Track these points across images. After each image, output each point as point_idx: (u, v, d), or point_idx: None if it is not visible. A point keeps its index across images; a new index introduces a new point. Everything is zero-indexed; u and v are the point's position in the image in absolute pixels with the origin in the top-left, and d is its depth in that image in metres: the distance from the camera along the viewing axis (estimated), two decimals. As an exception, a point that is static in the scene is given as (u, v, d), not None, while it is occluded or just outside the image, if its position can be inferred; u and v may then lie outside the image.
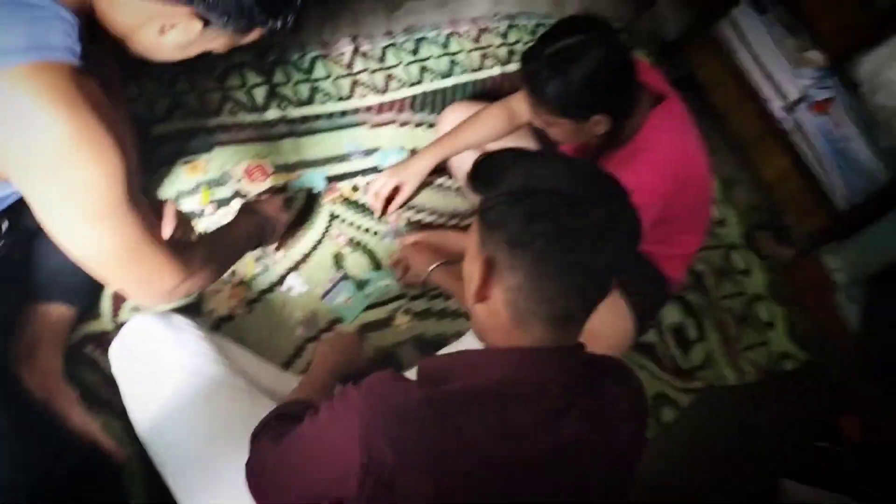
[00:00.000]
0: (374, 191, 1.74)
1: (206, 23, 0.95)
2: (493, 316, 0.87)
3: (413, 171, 1.73)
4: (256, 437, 1.04)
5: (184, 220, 1.28)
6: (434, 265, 1.60)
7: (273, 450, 0.96)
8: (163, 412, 1.17)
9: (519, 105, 1.76)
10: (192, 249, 1.12)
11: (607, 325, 1.57)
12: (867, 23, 1.97)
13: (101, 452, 1.22)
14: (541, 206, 0.80)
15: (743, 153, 2.39)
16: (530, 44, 1.38)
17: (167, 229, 1.18)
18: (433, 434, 0.79)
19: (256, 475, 0.99)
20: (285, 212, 1.54)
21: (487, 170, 0.91)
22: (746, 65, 2.36)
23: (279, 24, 0.98)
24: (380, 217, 1.77)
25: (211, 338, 1.28)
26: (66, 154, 0.86)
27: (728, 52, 2.40)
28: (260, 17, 0.96)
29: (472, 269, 0.88)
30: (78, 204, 0.90)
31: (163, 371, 1.19)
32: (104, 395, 1.33)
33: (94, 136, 0.87)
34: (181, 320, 1.26)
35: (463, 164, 1.86)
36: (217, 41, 1.01)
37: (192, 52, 1.02)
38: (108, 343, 1.35)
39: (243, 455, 1.07)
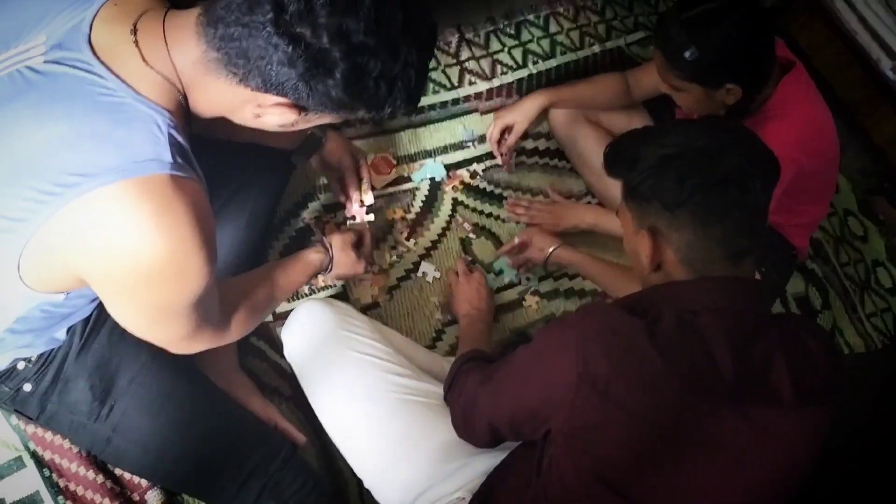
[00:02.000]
0: (488, 137, 1.79)
1: (304, 109, 0.89)
2: (670, 278, 0.94)
3: (521, 112, 1.77)
4: (456, 379, 1.16)
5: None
6: (554, 246, 1.62)
7: (484, 384, 1.05)
8: (337, 391, 1.24)
9: (637, 80, 1.76)
10: (236, 308, 1.10)
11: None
12: None
13: (283, 435, 1.29)
14: (685, 166, 0.89)
15: (850, 118, 2.33)
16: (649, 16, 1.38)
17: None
18: (647, 354, 0.85)
19: (465, 412, 1.09)
20: (358, 258, 1.37)
21: (620, 153, 0.98)
22: (851, 25, 2.29)
23: (383, 113, 0.91)
24: (502, 163, 1.82)
25: (368, 322, 1.34)
26: (149, 278, 0.84)
27: (830, 13, 2.33)
28: (358, 107, 0.90)
29: (636, 245, 0.96)
30: (149, 313, 0.91)
31: (333, 353, 1.26)
32: (272, 383, 1.41)
33: (181, 262, 0.84)
34: (343, 305, 1.33)
35: (575, 145, 1.87)
36: (328, 118, 0.94)
37: (302, 128, 0.97)
38: (271, 332, 1.44)
39: (415, 425, 1.19)
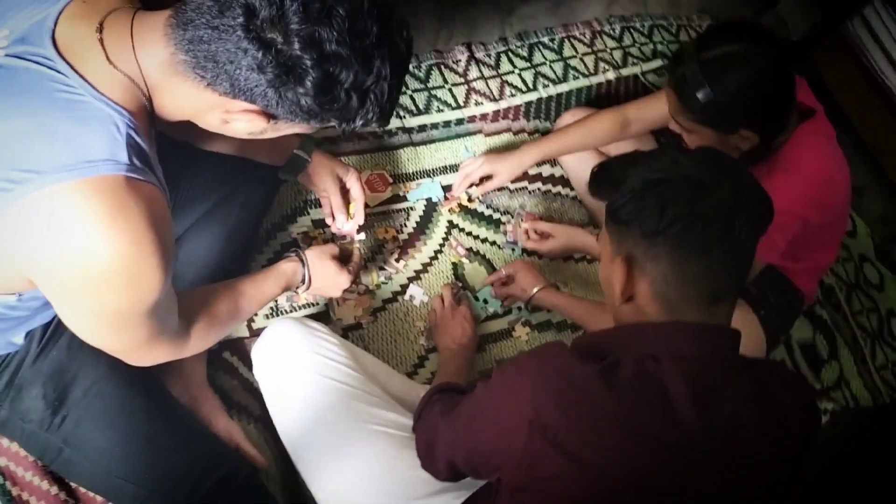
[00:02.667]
0: (465, 171, 1.71)
1: (274, 117, 0.87)
2: (640, 314, 0.88)
3: (510, 165, 1.69)
4: (423, 410, 1.12)
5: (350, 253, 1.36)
6: (537, 287, 1.57)
7: (445, 415, 1.01)
8: (302, 416, 1.20)
9: (635, 113, 1.70)
10: (196, 320, 1.06)
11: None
12: None
13: (243, 457, 1.25)
14: (669, 193, 0.83)
15: (872, 160, 2.25)
16: (673, 48, 1.34)
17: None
18: (600, 402, 0.80)
19: (427, 443, 1.06)
20: (339, 271, 1.32)
21: (608, 174, 0.94)
22: (880, 66, 2.22)
23: (354, 126, 0.89)
24: (455, 191, 1.74)
25: (344, 345, 1.30)
26: (99, 282, 0.81)
27: (859, 52, 2.27)
28: (328, 118, 0.88)
29: (611, 273, 0.91)
30: (99, 319, 0.88)
31: (302, 376, 1.21)
32: (242, 401, 1.37)
33: (131, 267, 0.81)
34: (317, 326, 1.28)
35: (581, 173, 1.82)
36: (299, 127, 0.92)
37: (273, 136, 0.94)
38: (245, 349, 1.40)
39: (378, 457, 1.15)
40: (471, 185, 1.73)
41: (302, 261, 1.28)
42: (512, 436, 0.83)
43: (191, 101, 0.86)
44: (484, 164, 1.69)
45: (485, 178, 1.72)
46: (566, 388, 0.82)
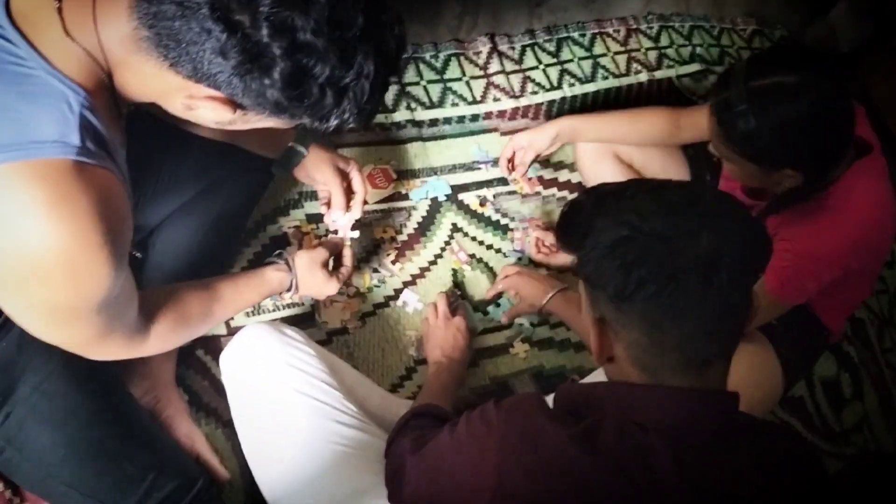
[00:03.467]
0: (504, 155, 1.60)
1: (241, 107, 0.79)
2: (624, 374, 0.79)
3: (540, 132, 1.55)
4: (396, 437, 1.04)
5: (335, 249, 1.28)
6: (552, 292, 1.47)
7: (413, 453, 0.93)
8: (268, 430, 1.13)
9: (688, 121, 1.56)
10: (159, 318, 0.98)
11: (752, 378, 1.38)
12: None
13: (203, 468, 1.18)
14: (635, 252, 0.72)
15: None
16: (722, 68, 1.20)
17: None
18: (571, 469, 0.73)
19: (394, 475, 0.98)
20: (329, 278, 1.25)
21: (574, 222, 0.82)
22: (936, 85, 2.05)
23: (328, 125, 0.82)
24: (510, 177, 1.65)
25: (323, 355, 1.21)
26: (39, 275, 0.74)
27: (914, 68, 2.10)
28: (299, 114, 0.80)
29: (587, 330, 0.82)
30: (42, 313, 0.81)
31: (272, 388, 1.13)
32: (211, 403, 1.29)
33: (75, 259, 0.74)
34: (295, 335, 1.20)
35: (599, 180, 1.70)
36: (272, 121, 0.84)
37: (244, 128, 0.87)
38: (220, 348, 1.32)
39: (345, 482, 1.07)
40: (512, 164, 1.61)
41: (289, 268, 1.20)
42: (475, 498, 0.75)
43: (153, 81, 0.78)
44: (513, 139, 1.57)
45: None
46: (535, 453, 0.73)
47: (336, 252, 1.30)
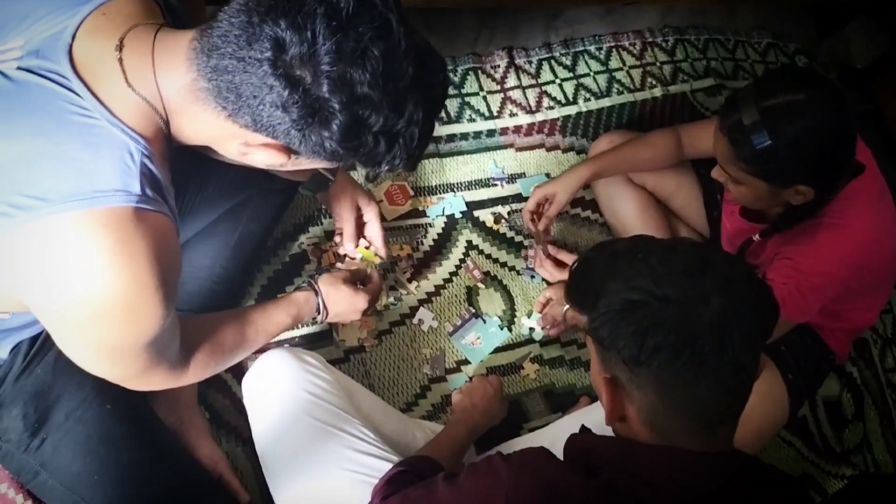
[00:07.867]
0: (525, 210, 1.60)
1: (295, 153, 0.82)
2: (634, 433, 0.80)
3: (563, 183, 1.56)
4: (381, 493, 1.00)
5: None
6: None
7: None
8: (286, 457, 1.15)
9: (691, 137, 1.59)
10: (198, 348, 1.02)
11: (760, 407, 1.41)
12: None
13: (224, 489, 1.21)
14: (647, 319, 0.73)
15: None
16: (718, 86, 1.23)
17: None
18: None
19: None
20: (355, 292, 1.26)
21: (585, 283, 0.83)
22: (949, 105, 2.07)
23: (379, 170, 0.84)
24: (533, 234, 1.65)
25: (340, 380, 1.24)
26: (98, 316, 0.78)
27: (928, 88, 2.11)
28: (353, 160, 0.83)
29: (599, 387, 0.83)
30: (98, 350, 0.85)
31: (289, 414, 1.16)
32: (232, 422, 1.33)
33: (133, 302, 0.78)
34: (314, 361, 1.22)
35: (611, 200, 1.72)
36: (321, 164, 0.87)
37: (292, 169, 0.89)
38: (242, 367, 1.35)
39: None
40: (537, 216, 1.60)
41: (315, 290, 1.23)
42: None
43: (210, 129, 0.82)
44: (537, 191, 1.57)
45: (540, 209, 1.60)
46: (551, 501, 0.75)
47: (359, 277, 1.32)
